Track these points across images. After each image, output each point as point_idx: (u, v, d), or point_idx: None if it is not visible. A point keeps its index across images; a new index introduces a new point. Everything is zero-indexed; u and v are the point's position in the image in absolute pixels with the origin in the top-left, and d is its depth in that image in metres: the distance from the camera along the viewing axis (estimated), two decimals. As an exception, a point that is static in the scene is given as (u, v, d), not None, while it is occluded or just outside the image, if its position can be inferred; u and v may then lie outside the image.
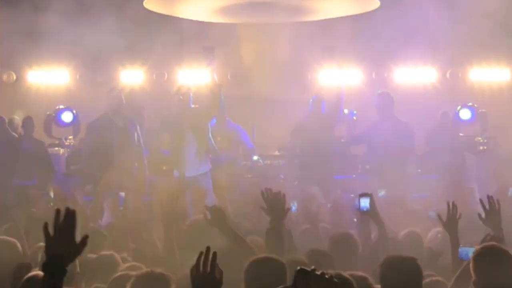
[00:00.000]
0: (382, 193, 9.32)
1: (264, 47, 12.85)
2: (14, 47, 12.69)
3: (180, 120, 10.31)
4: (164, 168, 11.47)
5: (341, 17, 12.77)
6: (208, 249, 3.38)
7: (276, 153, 12.21)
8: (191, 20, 12.68)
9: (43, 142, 11.27)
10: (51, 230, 3.11)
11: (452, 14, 11.72)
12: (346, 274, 3.59)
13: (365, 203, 5.87)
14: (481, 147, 11.78)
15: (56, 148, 11.74)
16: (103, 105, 10.68)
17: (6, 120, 10.97)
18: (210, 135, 10.49)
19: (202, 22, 12.85)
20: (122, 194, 9.10)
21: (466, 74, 13.57)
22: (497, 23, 11.86)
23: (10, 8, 12.39)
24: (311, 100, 10.96)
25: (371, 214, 5.83)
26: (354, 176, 10.92)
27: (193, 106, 10.63)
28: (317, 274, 2.75)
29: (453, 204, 5.50)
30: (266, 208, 5.47)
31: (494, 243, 4.66)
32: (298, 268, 2.79)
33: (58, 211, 3.13)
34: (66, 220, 3.13)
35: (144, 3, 11.49)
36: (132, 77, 13.26)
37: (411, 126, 10.92)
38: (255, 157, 11.29)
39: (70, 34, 12.71)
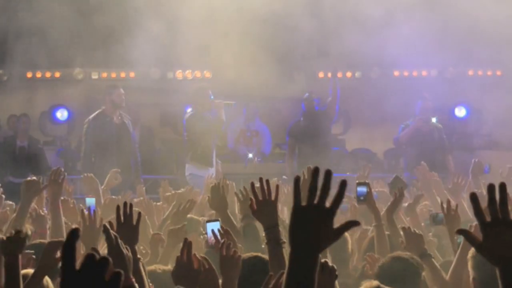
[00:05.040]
0: None
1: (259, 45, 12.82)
2: (9, 45, 12.71)
3: (203, 125, 10.34)
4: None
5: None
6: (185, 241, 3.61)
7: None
8: (187, 19, 12.66)
9: (38, 139, 11.28)
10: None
11: (450, 13, 11.70)
12: None
13: (361, 191, 5.92)
14: (476, 145, 11.78)
15: (51, 146, 11.75)
16: (99, 103, 10.63)
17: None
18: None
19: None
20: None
21: (462, 72, 13.55)
22: (493, 22, 11.85)
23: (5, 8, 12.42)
24: (303, 99, 10.91)
25: (367, 202, 5.84)
26: (348, 173, 10.82)
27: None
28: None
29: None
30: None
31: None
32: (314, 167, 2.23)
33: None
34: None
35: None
36: (128, 75, 13.26)
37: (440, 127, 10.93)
38: (250, 155, 11.25)
39: (67, 33, 12.75)
